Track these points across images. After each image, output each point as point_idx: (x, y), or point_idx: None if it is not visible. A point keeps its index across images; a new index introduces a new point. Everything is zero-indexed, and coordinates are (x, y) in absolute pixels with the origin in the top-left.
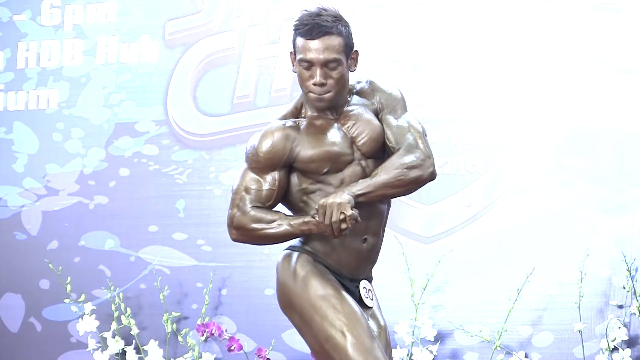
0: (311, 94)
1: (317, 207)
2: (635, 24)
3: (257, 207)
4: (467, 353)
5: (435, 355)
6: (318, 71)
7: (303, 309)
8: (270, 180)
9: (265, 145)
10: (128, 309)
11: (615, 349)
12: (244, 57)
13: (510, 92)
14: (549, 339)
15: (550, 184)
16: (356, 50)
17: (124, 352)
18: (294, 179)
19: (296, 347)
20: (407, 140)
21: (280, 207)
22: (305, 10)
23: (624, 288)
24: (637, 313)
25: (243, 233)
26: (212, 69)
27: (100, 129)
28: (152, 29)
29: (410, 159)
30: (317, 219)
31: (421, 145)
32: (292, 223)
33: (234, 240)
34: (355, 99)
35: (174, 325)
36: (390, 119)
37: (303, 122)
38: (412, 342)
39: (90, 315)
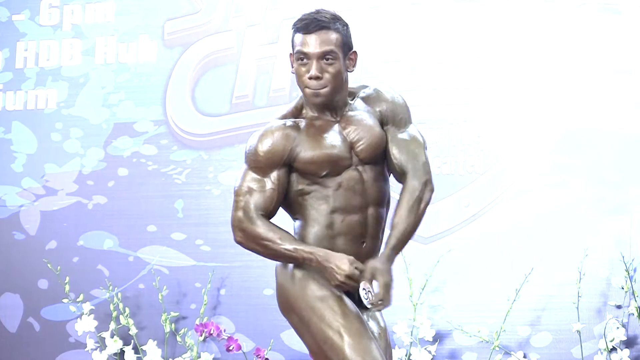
0: (307, 90)
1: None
2: (634, 24)
3: (263, 215)
4: (465, 353)
5: (433, 356)
6: (314, 64)
7: (301, 310)
8: (271, 179)
9: (265, 145)
10: (126, 309)
11: (613, 349)
12: (243, 57)
13: (508, 93)
14: (547, 339)
15: (548, 184)
16: (355, 51)
17: (122, 352)
18: (292, 178)
19: (295, 347)
20: (411, 163)
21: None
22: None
23: (623, 288)
24: (636, 313)
25: (248, 238)
26: (210, 69)
27: (99, 128)
28: (151, 29)
29: (419, 191)
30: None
31: (425, 166)
32: (297, 248)
33: (238, 242)
34: (359, 104)
35: (173, 325)
36: (394, 131)
37: (303, 122)
38: (411, 343)
39: (88, 315)
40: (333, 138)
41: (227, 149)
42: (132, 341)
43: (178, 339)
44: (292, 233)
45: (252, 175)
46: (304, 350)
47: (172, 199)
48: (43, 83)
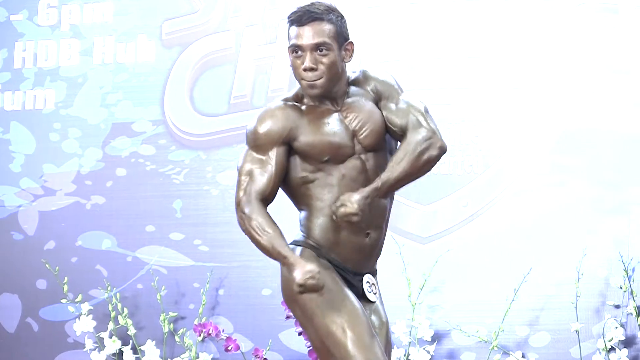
0: (303, 82)
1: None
2: (632, 24)
3: (262, 199)
4: (464, 353)
5: (432, 356)
6: (308, 56)
7: (305, 303)
8: (270, 157)
9: (265, 123)
10: (125, 309)
11: (612, 349)
12: (241, 57)
13: (507, 93)
14: (546, 339)
15: (547, 184)
16: (351, 42)
17: (121, 352)
18: (295, 164)
19: (293, 347)
20: (410, 122)
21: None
22: None
23: (621, 288)
24: (634, 313)
25: (243, 222)
26: (209, 69)
27: (97, 129)
28: (149, 29)
29: (417, 142)
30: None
31: (424, 123)
32: (275, 246)
33: (238, 223)
34: (352, 89)
35: (171, 325)
36: (390, 105)
37: (304, 107)
38: (409, 342)
39: (87, 316)
40: (334, 125)
41: (226, 149)
42: (131, 341)
43: (177, 339)
44: (299, 224)
45: (252, 154)
46: (303, 350)
47: (170, 199)
48: (41, 83)
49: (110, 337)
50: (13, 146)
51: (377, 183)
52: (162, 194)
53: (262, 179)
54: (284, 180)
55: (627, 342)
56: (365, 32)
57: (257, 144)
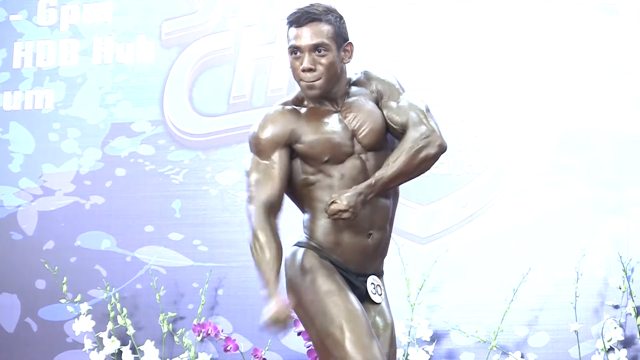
0: (302, 83)
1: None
2: (631, 24)
3: (270, 210)
4: (463, 353)
5: (431, 356)
6: (306, 57)
7: (307, 304)
8: (274, 162)
9: (266, 128)
10: (124, 309)
11: (611, 349)
12: (240, 57)
13: (506, 93)
14: (545, 339)
15: (546, 184)
16: (350, 43)
17: (120, 352)
18: (297, 166)
19: (292, 348)
20: (410, 120)
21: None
22: None
23: (620, 288)
24: (633, 313)
25: (251, 229)
26: (208, 69)
27: (96, 129)
28: (148, 29)
29: (415, 140)
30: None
31: (424, 121)
32: (262, 269)
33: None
34: (353, 89)
35: (170, 325)
36: (391, 103)
37: (303, 109)
38: (408, 343)
39: (86, 316)
40: (333, 125)
41: (225, 149)
42: (130, 341)
43: (176, 339)
44: (302, 226)
45: (257, 160)
46: (302, 350)
47: (169, 199)
48: (40, 83)
49: (109, 337)
50: (12, 146)
51: (371, 180)
52: (161, 194)
53: (267, 187)
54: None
55: (626, 343)
56: (364, 33)
57: (259, 149)
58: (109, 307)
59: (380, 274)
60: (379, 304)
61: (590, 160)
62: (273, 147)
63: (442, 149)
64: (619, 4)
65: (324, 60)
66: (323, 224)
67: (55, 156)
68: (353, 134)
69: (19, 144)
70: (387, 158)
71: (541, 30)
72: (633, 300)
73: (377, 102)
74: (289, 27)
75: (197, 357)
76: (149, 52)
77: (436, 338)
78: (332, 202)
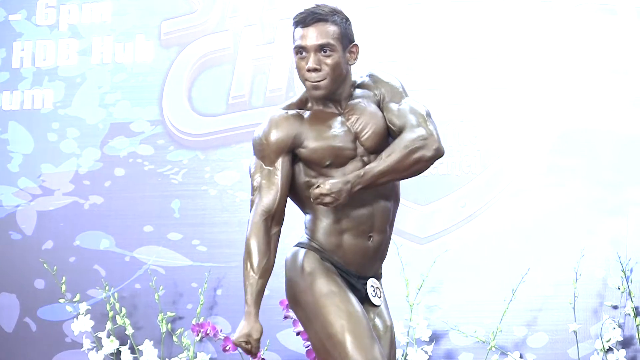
0: (307, 83)
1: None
2: (630, 25)
3: (268, 218)
4: (462, 353)
5: (430, 356)
6: (312, 57)
7: (307, 305)
8: (277, 169)
9: (270, 134)
10: (123, 309)
11: (610, 349)
12: (240, 57)
13: (505, 93)
14: (543, 340)
15: (545, 184)
16: (356, 44)
17: (118, 352)
18: (299, 169)
19: (291, 348)
20: (409, 122)
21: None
22: None
23: (619, 289)
24: (632, 314)
25: (245, 238)
26: (207, 69)
27: (95, 129)
28: (148, 28)
29: (411, 139)
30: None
31: (424, 124)
32: (246, 284)
33: None
34: (357, 92)
35: (169, 325)
36: (392, 105)
37: (307, 113)
38: (407, 343)
39: (85, 315)
40: (336, 129)
41: (224, 149)
42: (129, 341)
43: (174, 339)
44: (303, 227)
45: (261, 165)
46: (301, 350)
47: (168, 199)
48: (39, 83)
49: (108, 336)
50: (11, 146)
51: (361, 171)
52: (160, 194)
53: (269, 194)
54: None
55: (625, 343)
56: (364, 33)
57: (263, 154)
58: (108, 307)
59: (379, 277)
60: (379, 306)
61: (589, 160)
62: (277, 153)
63: (439, 153)
64: (618, 4)
65: (329, 61)
66: (325, 225)
67: (54, 156)
68: (355, 137)
69: (18, 143)
70: None
71: (540, 31)
72: (632, 301)
73: (380, 104)
74: (295, 28)
75: (195, 357)
76: (148, 52)
77: (435, 338)
78: (316, 187)
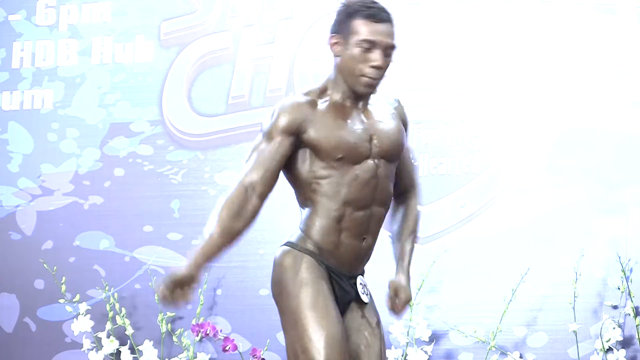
0: (363, 78)
1: None
2: (630, 25)
3: (252, 193)
4: (461, 353)
5: (430, 356)
6: (380, 54)
7: (290, 312)
8: (272, 149)
9: (278, 115)
10: (123, 309)
11: (609, 349)
12: (239, 58)
13: (504, 93)
14: (543, 340)
15: (544, 184)
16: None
17: (118, 352)
18: (305, 157)
19: None
20: (413, 185)
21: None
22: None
23: (619, 289)
24: (632, 314)
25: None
26: (207, 69)
27: (95, 129)
28: (147, 29)
29: (418, 214)
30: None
31: (418, 188)
32: (204, 240)
33: None
34: (381, 102)
35: (169, 325)
36: (407, 154)
37: (325, 103)
38: (407, 343)
39: (85, 315)
40: (354, 124)
41: (224, 149)
42: (129, 341)
43: (174, 339)
44: (299, 222)
45: (261, 141)
46: None
47: (168, 199)
48: (39, 83)
49: (108, 337)
50: (11, 146)
51: (407, 269)
52: (160, 194)
53: (257, 169)
54: (292, 174)
55: (625, 343)
56: None
57: (266, 132)
58: (108, 307)
59: (363, 273)
60: (367, 303)
61: (589, 160)
62: (279, 133)
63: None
64: (618, 4)
65: (388, 62)
66: (324, 223)
67: (54, 156)
68: (371, 137)
69: (17, 143)
70: (393, 173)
71: (540, 31)
72: (632, 301)
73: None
74: (361, 19)
75: (195, 357)
76: (147, 52)
77: (435, 338)
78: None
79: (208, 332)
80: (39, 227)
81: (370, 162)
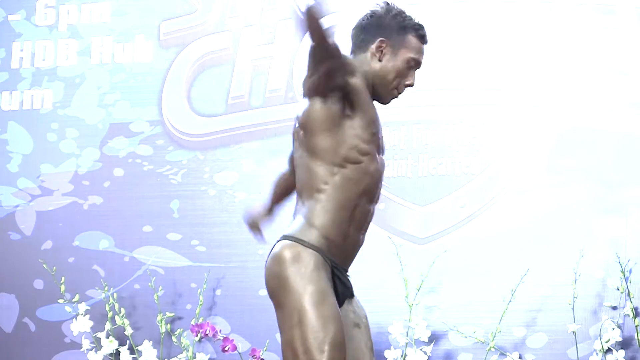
0: (395, 92)
1: None
2: (629, 25)
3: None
4: (461, 354)
5: (429, 356)
6: (414, 75)
7: (292, 309)
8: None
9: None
10: (122, 309)
11: (609, 350)
12: (239, 58)
13: (504, 93)
14: (543, 340)
15: (544, 185)
16: None
17: (118, 353)
18: (356, 124)
19: None
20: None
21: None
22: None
23: (618, 289)
24: (631, 314)
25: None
26: (206, 69)
27: (94, 129)
28: (147, 29)
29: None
30: None
31: None
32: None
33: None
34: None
35: (168, 325)
36: None
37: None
38: (406, 343)
39: (84, 316)
40: (378, 118)
41: (223, 150)
42: (128, 341)
43: (174, 339)
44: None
45: (339, 72)
46: None
47: (167, 199)
48: (39, 83)
49: (107, 337)
50: (10, 146)
51: None
52: (159, 194)
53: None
54: (333, 138)
55: (624, 344)
56: None
57: (347, 70)
58: (107, 307)
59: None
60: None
61: (589, 160)
62: (346, 76)
63: None
64: (618, 5)
65: None
66: (338, 212)
67: (53, 156)
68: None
69: (17, 144)
70: None
71: (540, 31)
72: (631, 302)
73: None
74: (418, 39)
75: (195, 358)
76: (147, 52)
77: (434, 339)
78: None
79: (207, 332)
80: (39, 227)
81: (380, 156)
